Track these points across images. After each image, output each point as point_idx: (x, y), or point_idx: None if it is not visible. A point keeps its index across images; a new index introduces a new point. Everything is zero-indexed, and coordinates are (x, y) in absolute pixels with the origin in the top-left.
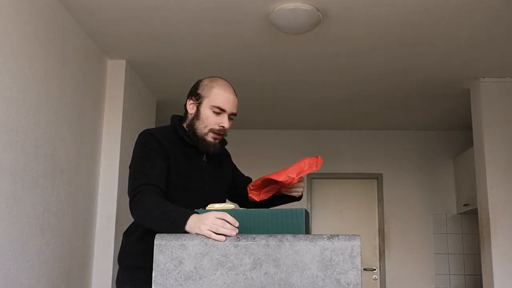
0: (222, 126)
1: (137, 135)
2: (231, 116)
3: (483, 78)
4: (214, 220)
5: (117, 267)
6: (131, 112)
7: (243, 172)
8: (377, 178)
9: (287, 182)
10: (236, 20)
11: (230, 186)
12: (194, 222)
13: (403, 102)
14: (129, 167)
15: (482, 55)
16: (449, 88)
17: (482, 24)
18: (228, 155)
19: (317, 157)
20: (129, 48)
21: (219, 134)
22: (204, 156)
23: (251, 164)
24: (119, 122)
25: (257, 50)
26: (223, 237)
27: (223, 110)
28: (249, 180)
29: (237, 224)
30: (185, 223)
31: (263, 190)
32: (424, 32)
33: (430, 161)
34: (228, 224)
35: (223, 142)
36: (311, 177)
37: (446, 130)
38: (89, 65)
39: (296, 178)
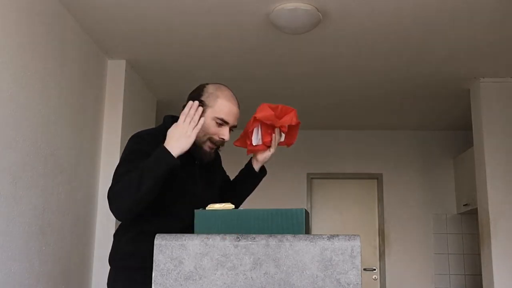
0: (222, 138)
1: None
2: (232, 129)
3: (483, 78)
4: (185, 123)
5: None
6: (131, 112)
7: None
8: (377, 178)
9: (282, 130)
10: (236, 20)
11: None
12: (178, 141)
13: (403, 102)
14: (114, 172)
15: (482, 55)
16: (449, 88)
17: (482, 24)
18: (218, 158)
19: (293, 110)
20: (129, 48)
21: (216, 145)
22: (196, 159)
23: None
24: (119, 122)
25: (257, 50)
26: (203, 119)
27: (226, 123)
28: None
29: (192, 103)
30: (169, 152)
31: (255, 143)
32: (424, 32)
33: (430, 161)
34: (192, 111)
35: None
36: (311, 177)
37: (446, 130)
38: (89, 65)
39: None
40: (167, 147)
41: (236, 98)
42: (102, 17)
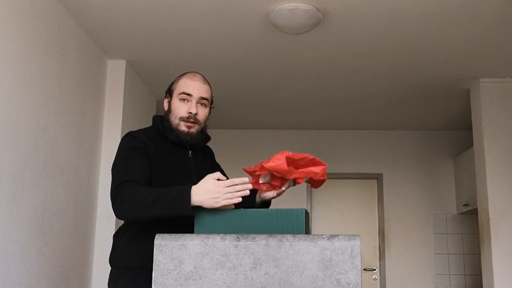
0: (190, 113)
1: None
2: (202, 102)
3: (483, 78)
4: (225, 189)
5: None
6: (131, 112)
7: (242, 173)
8: (377, 178)
9: (298, 182)
10: (236, 20)
11: None
12: (205, 196)
13: (403, 102)
14: (111, 169)
15: (482, 55)
16: (449, 88)
17: (482, 24)
18: (212, 154)
19: (324, 166)
20: (129, 48)
21: (190, 122)
22: (190, 152)
23: (250, 165)
24: (119, 122)
25: (257, 50)
26: (240, 198)
27: (188, 95)
28: None
29: (247, 180)
30: (189, 199)
31: (261, 182)
32: (424, 32)
33: (430, 161)
34: (239, 186)
35: (205, 137)
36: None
37: (446, 130)
38: (89, 65)
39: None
40: (192, 191)
41: (202, 76)
42: (102, 17)
